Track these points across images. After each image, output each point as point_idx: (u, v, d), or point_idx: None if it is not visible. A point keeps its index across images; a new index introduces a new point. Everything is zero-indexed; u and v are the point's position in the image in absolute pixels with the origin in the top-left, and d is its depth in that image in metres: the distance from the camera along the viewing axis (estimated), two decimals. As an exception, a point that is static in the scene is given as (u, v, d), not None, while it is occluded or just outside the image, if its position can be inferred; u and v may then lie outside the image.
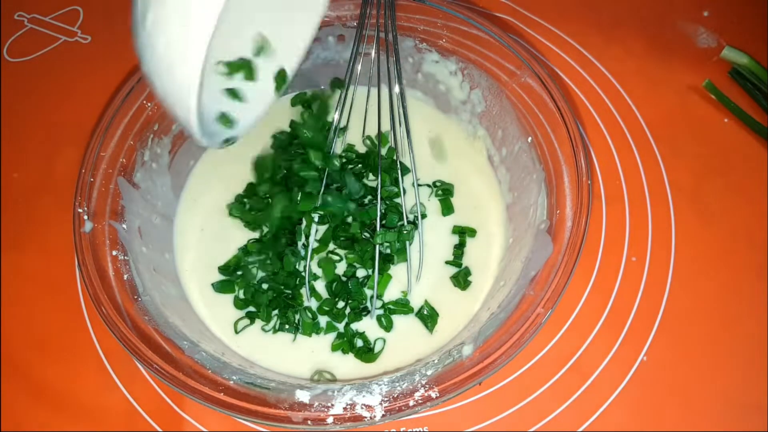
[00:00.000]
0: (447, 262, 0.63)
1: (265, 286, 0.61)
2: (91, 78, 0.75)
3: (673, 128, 0.71)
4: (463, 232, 0.64)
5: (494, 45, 0.60)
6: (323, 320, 0.60)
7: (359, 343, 0.59)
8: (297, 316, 0.60)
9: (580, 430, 0.58)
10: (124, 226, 0.56)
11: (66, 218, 0.56)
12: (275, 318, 0.60)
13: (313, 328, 0.59)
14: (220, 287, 0.61)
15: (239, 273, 0.62)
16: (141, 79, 0.59)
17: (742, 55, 0.73)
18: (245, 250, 0.62)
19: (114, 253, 0.54)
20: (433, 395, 0.48)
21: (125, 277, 0.54)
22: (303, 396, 0.49)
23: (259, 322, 0.60)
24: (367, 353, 0.58)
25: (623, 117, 0.72)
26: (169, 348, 0.51)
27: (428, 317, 0.60)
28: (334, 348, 0.59)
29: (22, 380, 0.60)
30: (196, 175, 0.67)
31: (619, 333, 0.61)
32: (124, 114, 0.58)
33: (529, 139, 0.58)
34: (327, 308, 0.60)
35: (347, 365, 0.58)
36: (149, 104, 0.59)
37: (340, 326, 0.60)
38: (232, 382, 0.50)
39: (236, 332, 0.60)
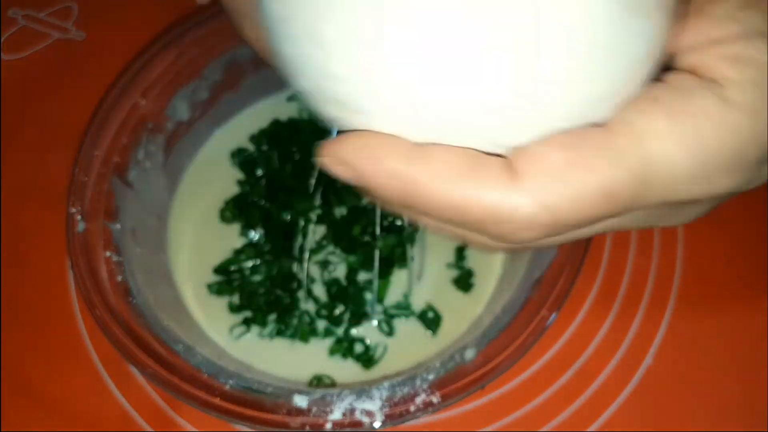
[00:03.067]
0: (449, 265, 0.62)
1: (261, 289, 0.60)
2: (85, 75, 0.75)
3: (678, 126, 0.71)
4: None
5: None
6: (321, 324, 0.59)
7: (359, 348, 0.58)
8: (295, 321, 0.59)
9: (585, 434, 0.57)
10: (118, 226, 0.55)
11: (58, 218, 0.55)
12: (272, 323, 0.59)
13: (311, 334, 0.58)
14: (217, 289, 0.60)
15: (234, 276, 0.61)
16: (135, 75, 0.58)
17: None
18: (239, 252, 0.61)
19: (107, 254, 0.53)
20: (435, 400, 0.47)
21: (119, 278, 0.53)
22: (301, 401, 0.48)
23: (256, 327, 0.59)
24: (367, 359, 0.57)
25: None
26: (163, 351, 0.50)
27: (432, 320, 0.59)
28: (332, 352, 0.58)
29: (13, 383, 0.59)
30: (191, 175, 0.66)
31: (625, 335, 0.60)
32: (118, 112, 0.57)
33: (532, 137, 0.57)
34: (326, 312, 0.59)
35: (346, 370, 0.57)
36: (143, 102, 0.58)
37: (339, 331, 0.59)
38: (228, 386, 0.49)
39: (234, 339, 0.59)
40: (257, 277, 0.60)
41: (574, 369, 0.59)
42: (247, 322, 0.59)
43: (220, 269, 0.61)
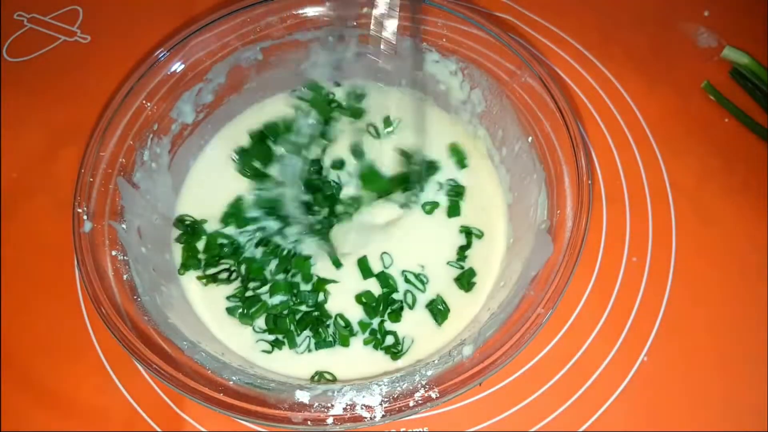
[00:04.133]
0: (449, 263, 0.62)
1: (284, 311, 0.60)
2: (90, 78, 0.75)
3: (673, 128, 0.71)
4: (470, 233, 0.63)
5: (494, 45, 0.60)
6: (355, 324, 0.60)
7: (390, 340, 0.59)
8: (330, 330, 0.59)
9: (581, 430, 0.58)
10: (124, 226, 0.56)
11: (65, 218, 0.56)
12: (306, 339, 0.59)
13: (350, 334, 0.59)
14: (239, 316, 0.60)
15: (254, 306, 0.60)
16: (141, 78, 0.59)
17: (742, 55, 0.73)
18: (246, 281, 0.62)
19: (113, 253, 0.54)
20: (434, 396, 0.48)
21: (125, 277, 0.54)
22: (303, 396, 0.49)
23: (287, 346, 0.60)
24: (395, 351, 0.58)
25: (624, 117, 0.72)
26: (168, 348, 0.51)
27: (439, 311, 0.60)
28: (366, 343, 0.59)
29: (21, 380, 0.60)
30: (196, 175, 0.67)
31: (620, 333, 0.61)
32: (124, 114, 0.58)
33: (530, 139, 0.58)
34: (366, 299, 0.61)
35: (347, 365, 0.58)
36: (148, 104, 0.59)
37: (374, 323, 0.60)
38: (231, 382, 0.50)
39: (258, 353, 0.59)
40: (276, 301, 0.60)
41: (570, 366, 0.60)
42: (277, 344, 0.59)
43: (234, 296, 0.61)
